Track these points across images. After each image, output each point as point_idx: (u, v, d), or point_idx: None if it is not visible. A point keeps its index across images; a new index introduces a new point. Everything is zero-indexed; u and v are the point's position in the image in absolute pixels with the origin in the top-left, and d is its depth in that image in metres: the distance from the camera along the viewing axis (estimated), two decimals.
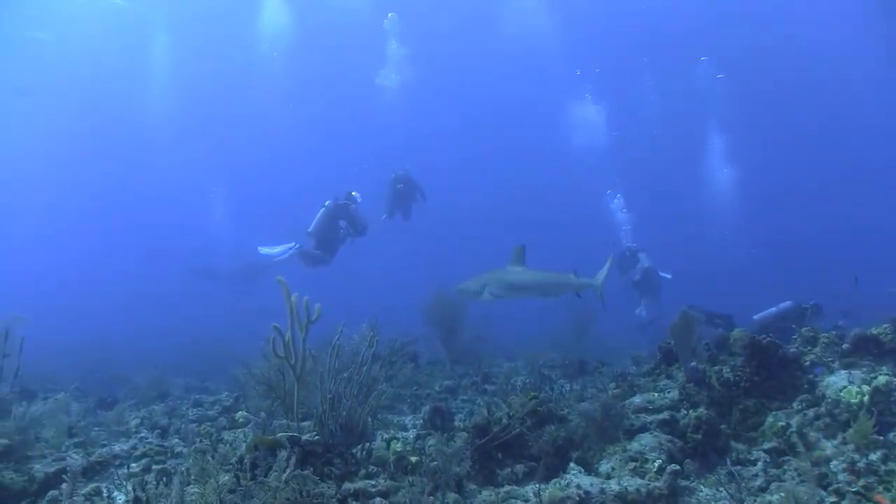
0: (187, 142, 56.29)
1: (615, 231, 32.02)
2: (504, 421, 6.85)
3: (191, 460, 6.10)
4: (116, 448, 7.78)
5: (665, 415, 7.34)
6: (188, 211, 58.13)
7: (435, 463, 5.82)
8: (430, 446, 7.02)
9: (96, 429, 9.64)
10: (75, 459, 5.46)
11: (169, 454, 7.49)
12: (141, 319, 37.25)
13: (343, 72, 51.43)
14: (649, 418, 7.38)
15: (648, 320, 22.90)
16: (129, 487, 6.06)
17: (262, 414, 7.62)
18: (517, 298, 10.58)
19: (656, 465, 6.17)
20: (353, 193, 20.31)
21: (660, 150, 49.49)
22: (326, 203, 20.01)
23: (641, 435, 6.89)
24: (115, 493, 6.33)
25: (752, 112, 44.89)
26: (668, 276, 23.76)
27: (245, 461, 5.33)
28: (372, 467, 6.11)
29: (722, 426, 7.08)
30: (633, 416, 7.52)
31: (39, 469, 6.72)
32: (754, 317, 15.02)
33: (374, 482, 5.73)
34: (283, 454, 5.19)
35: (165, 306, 42.75)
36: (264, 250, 21.96)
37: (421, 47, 44.78)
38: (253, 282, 25.94)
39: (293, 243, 21.00)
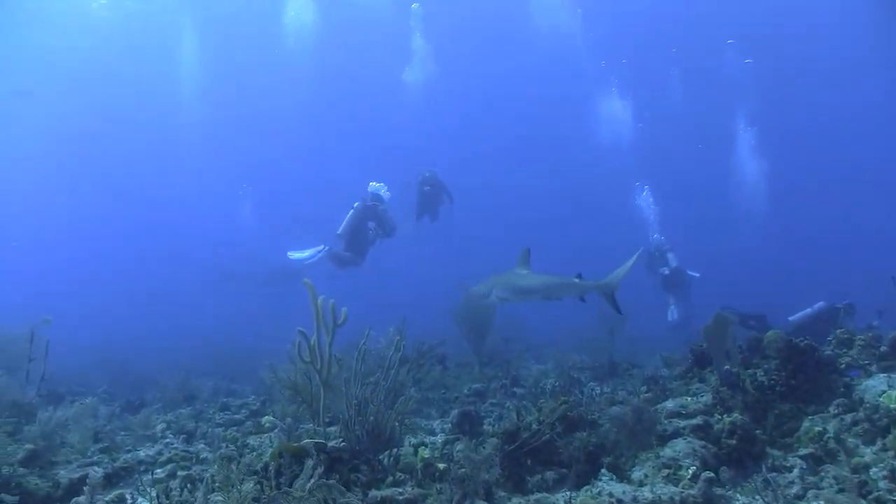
0: (213, 140, 56.39)
1: (643, 228, 31.84)
2: (534, 426, 6.71)
3: (216, 466, 6.02)
4: (142, 453, 7.73)
5: (698, 420, 7.17)
6: (215, 210, 58.31)
7: (463, 470, 5.71)
8: (458, 451, 6.90)
9: (123, 433, 9.60)
10: (96, 472, 5.36)
11: (194, 460, 7.41)
12: (169, 321, 37.37)
13: (368, 67, 51.37)
14: (682, 423, 7.22)
15: (678, 322, 22.82)
16: (154, 494, 5.98)
17: (288, 419, 7.52)
18: (522, 301, 10.41)
19: (690, 472, 6.02)
20: (377, 189, 20.52)
21: (687, 142, 48.95)
22: (355, 205, 20.12)
23: (674, 440, 6.74)
24: (140, 500, 6.25)
25: (780, 101, 44.15)
26: (697, 275, 23.60)
27: (270, 469, 5.25)
28: (399, 474, 6.00)
29: (757, 431, 6.91)
30: (665, 421, 7.37)
31: (64, 475, 6.67)
32: (789, 318, 14.85)
33: (401, 490, 5.63)
34: (309, 463, 5.10)
35: (194, 307, 42.84)
36: (294, 255, 21.95)
37: (445, 42, 44.69)
38: (283, 285, 25.95)
39: (322, 246, 20.99)
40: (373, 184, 20.54)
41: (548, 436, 6.56)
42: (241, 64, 51.20)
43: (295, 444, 5.62)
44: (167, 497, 5.54)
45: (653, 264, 23.87)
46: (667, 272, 23.08)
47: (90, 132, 56.08)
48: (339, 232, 20.16)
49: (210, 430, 9.54)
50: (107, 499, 6.29)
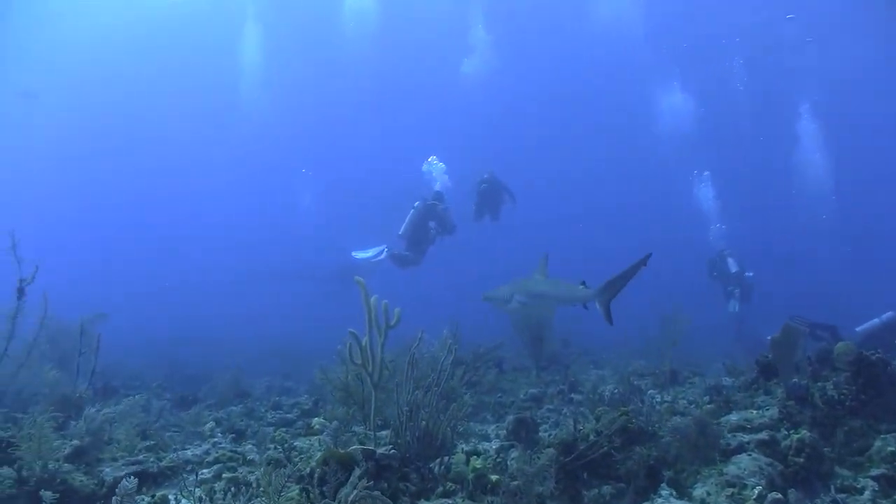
0: (274, 127, 56.85)
1: (702, 220, 31.60)
2: (592, 437, 6.45)
3: (261, 470, 5.86)
4: (189, 453, 7.62)
5: (764, 435, 6.84)
6: (276, 196, 58.81)
7: (516, 483, 5.48)
8: (512, 459, 6.68)
9: (174, 429, 9.53)
10: (129, 481, 5.21)
11: (241, 461, 7.26)
12: (230, 317, 37.68)
13: (427, 58, 51.55)
14: (747, 438, 6.89)
15: (737, 317, 22.98)
16: (197, 496, 5.84)
17: (335, 423, 7.35)
18: (539, 306, 10.64)
19: (756, 491, 5.71)
20: (438, 191, 20.68)
21: (749, 135, 47.97)
22: (416, 204, 20.32)
23: (739, 456, 6.43)
24: (183, 502, 6.11)
25: (846, 93, 43.07)
26: (751, 274, 23.30)
27: (315, 475, 5.09)
28: (450, 484, 5.79)
29: (825, 449, 6.57)
30: (729, 435, 7.06)
31: (109, 473, 6.58)
32: (857, 329, 14.40)
33: (450, 501, 5.44)
34: (356, 472, 4.92)
35: (255, 303, 43.18)
36: (358, 255, 22.07)
37: (505, 34, 44.65)
38: (347, 285, 26.03)
39: (384, 246, 21.11)
40: (432, 160, 20.56)
41: (606, 448, 6.29)
42: (301, 52, 51.76)
43: (342, 451, 5.45)
44: (211, 501, 5.41)
45: (713, 268, 23.89)
46: (732, 271, 22.86)
47: (146, 121, 57.09)
48: (399, 232, 20.42)
49: (260, 429, 9.44)
50: (150, 499, 6.17)
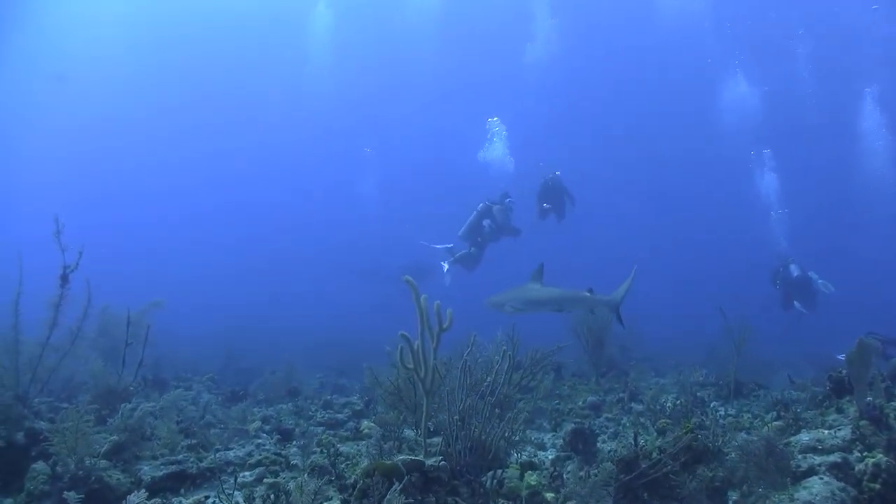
0: (339, 108, 57.26)
1: (764, 211, 31.25)
2: (655, 455, 6.07)
3: (305, 475, 5.59)
4: (231, 454, 7.38)
5: (836, 457, 6.41)
6: (338, 180, 59.09)
7: (572, 503, 5.14)
8: (568, 473, 6.33)
9: (220, 425, 9.34)
10: (137, 496, 4.95)
11: (285, 464, 6.98)
12: (289, 311, 37.87)
13: (490, 44, 51.56)
14: (818, 460, 6.46)
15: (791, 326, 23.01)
16: (235, 502, 5.59)
17: (381, 430, 7.09)
18: (534, 312, 11.26)
19: None
20: (505, 191, 20.84)
21: (812, 128, 46.90)
22: (479, 207, 20.56)
23: (810, 480, 6.01)
24: None
25: None
26: (815, 276, 22.84)
27: (357, 487, 4.80)
28: (502, 501, 5.49)
29: None
30: (798, 456, 6.64)
31: (147, 472, 6.35)
32: None
33: None
34: (394, 487, 4.61)
35: (317, 299, 43.46)
36: (437, 246, 22.09)
37: (570, 21, 44.47)
38: (418, 282, 26.05)
39: (450, 244, 21.24)
40: (494, 119, 20.49)
41: (670, 468, 5.91)
42: (367, 36, 52.36)
43: (388, 463, 5.14)
44: None
45: (777, 277, 23.46)
46: (794, 275, 22.53)
47: (206, 103, 57.91)
48: (459, 233, 20.78)
49: (308, 429, 9.22)
50: (188, 501, 5.94)
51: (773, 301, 23.38)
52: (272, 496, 5.37)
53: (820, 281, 22.58)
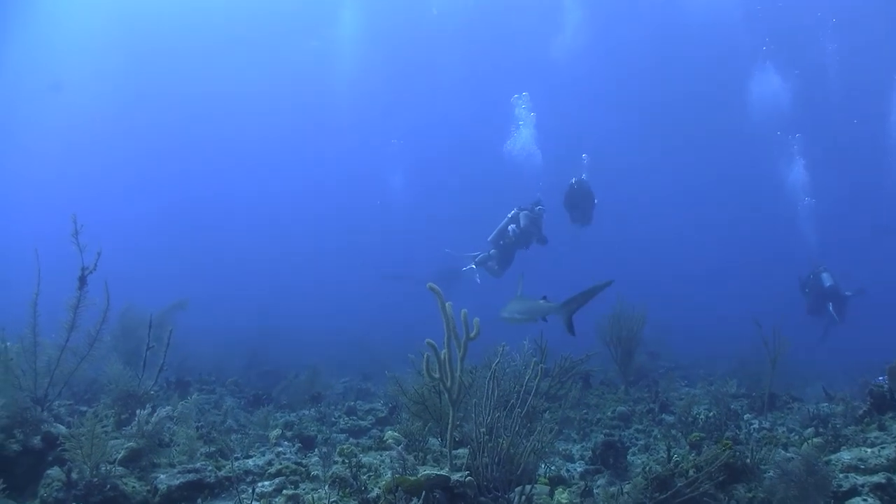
0: (368, 104, 57.33)
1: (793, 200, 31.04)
2: (691, 473, 5.80)
3: (325, 488, 5.39)
4: (250, 462, 7.16)
5: (880, 477, 6.13)
6: (366, 172, 59.29)
7: None
8: (598, 489, 6.10)
9: (237, 433, 9.19)
10: None
11: (305, 475, 6.77)
12: (318, 312, 37.87)
13: (516, 36, 51.41)
14: (861, 480, 6.19)
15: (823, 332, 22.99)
16: None
17: (404, 441, 6.90)
18: (516, 322, 10.53)
19: None
20: (538, 198, 20.89)
21: (842, 122, 46.34)
22: (511, 213, 20.70)
23: (852, 501, 5.76)
24: None
25: None
26: (849, 294, 22.89)
27: (380, 503, 4.61)
28: None
29: None
30: (840, 475, 6.36)
31: (163, 480, 6.14)
32: None
33: None
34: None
35: (346, 301, 43.50)
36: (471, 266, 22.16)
37: (597, 13, 44.39)
38: (448, 288, 26.13)
39: (479, 253, 21.58)
40: (524, 95, 20.52)
41: (706, 487, 5.65)
42: (395, 27, 52.97)
43: (412, 479, 4.93)
44: None
45: (806, 286, 23.40)
46: (826, 285, 22.48)
47: (234, 96, 58.24)
48: (489, 238, 21.03)
49: (331, 435, 9.05)
50: None
51: (801, 307, 23.20)
52: None
53: (849, 293, 22.45)
